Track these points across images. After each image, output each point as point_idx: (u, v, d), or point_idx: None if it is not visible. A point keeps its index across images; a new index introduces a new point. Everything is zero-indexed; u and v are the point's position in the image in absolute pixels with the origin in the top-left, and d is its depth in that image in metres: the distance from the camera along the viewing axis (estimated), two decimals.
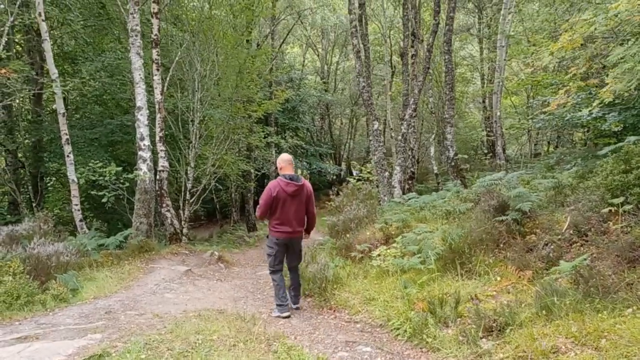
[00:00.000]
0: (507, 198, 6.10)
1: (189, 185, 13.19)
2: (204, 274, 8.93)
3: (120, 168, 9.89)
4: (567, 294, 4.17)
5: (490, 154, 14.30)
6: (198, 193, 13.49)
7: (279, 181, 5.62)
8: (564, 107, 8.06)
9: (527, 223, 6.06)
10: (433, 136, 15.60)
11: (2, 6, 11.75)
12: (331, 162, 31.78)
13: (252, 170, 18.97)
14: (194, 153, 13.22)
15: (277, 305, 5.83)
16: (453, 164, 11.65)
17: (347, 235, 8.07)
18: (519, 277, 5.19)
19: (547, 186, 6.99)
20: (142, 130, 10.01)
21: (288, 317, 5.69)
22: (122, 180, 9.73)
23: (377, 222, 7.97)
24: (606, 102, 4.59)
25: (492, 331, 4.17)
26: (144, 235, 9.57)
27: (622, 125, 8.77)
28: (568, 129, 15.41)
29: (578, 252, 5.23)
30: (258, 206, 5.74)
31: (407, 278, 5.92)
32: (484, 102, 21.01)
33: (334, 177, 31.67)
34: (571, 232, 5.51)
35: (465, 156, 12.78)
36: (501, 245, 5.91)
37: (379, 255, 6.55)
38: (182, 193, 13.35)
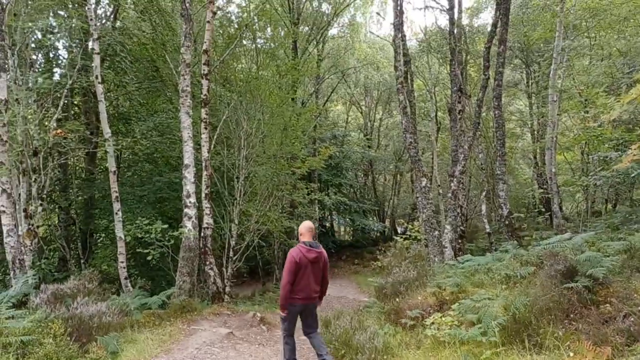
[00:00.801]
0: (575, 262, 5.55)
1: (232, 243, 13.05)
2: (245, 337, 8.55)
3: (166, 225, 9.87)
4: None
5: (547, 213, 13.58)
6: (241, 250, 13.32)
7: (299, 248, 5.69)
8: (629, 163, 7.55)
9: (599, 291, 5.47)
10: (484, 193, 15.03)
11: (62, 70, 12.42)
12: (375, 218, 31.27)
13: (295, 227, 18.75)
14: (238, 210, 13.16)
15: None
16: (507, 222, 11.06)
17: (397, 300, 7.59)
18: (596, 353, 4.59)
19: (618, 249, 6.39)
20: (189, 187, 10.04)
21: None
22: (167, 238, 9.68)
23: (428, 286, 7.47)
24: None
25: None
26: (186, 295, 9.37)
27: None
28: (627, 187, 14.55)
29: None
30: (283, 278, 5.71)
31: (466, 351, 5.39)
32: (535, 157, 20.32)
33: (378, 234, 31.05)
34: None
35: (522, 215, 12.15)
36: (571, 316, 5.32)
37: (433, 323, 6.06)
38: (226, 250, 13.21)
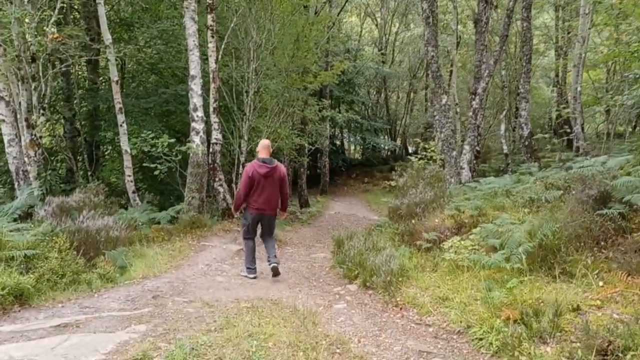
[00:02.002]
0: (610, 187, 5.16)
1: (242, 159, 12.74)
2: (257, 255, 8.46)
3: (173, 140, 9.51)
4: None
5: (569, 134, 13.00)
6: None
7: (253, 163, 6.37)
8: None
9: (633, 218, 5.13)
10: (505, 112, 14.38)
11: None
12: (386, 137, 30.74)
13: (306, 145, 18.37)
14: (247, 125, 12.72)
15: (247, 267, 6.67)
16: (527, 143, 10.58)
17: (412, 222, 7.33)
18: (628, 283, 4.33)
19: None
20: (196, 100, 9.54)
21: (255, 278, 6.55)
22: (174, 152, 9.36)
23: (446, 208, 7.18)
24: None
25: (607, 355, 3.39)
26: (195, 211, 9.20)
27: None
28: None
29: None
30: (239, 189, 6.58)
31: (488, 276, 5.16)
32: (557, 76, 19.35)
33: (389, 153, 30.68)
34: None
35: (546, 136, 11.59)
36: (602, 244, 5.02)
37: (451, 247, 5.81)
38: (235, 167, 12.94)
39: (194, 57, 9.57)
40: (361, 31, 30.45)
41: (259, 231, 6.76)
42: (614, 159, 5.76)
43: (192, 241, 8.49)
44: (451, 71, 17.89)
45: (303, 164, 19.39)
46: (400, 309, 5.23)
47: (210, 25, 10.69)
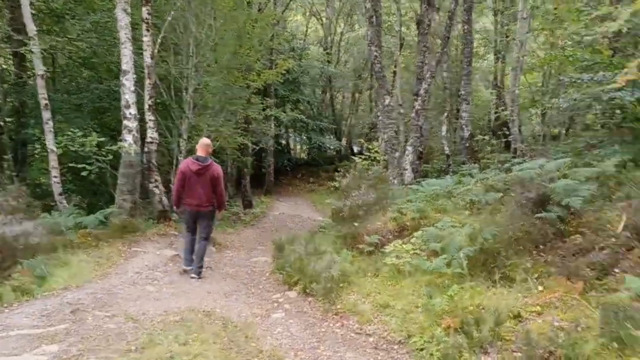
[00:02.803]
0: (549, 190, 5.16)
1: (181, 159, 12.18)
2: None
3: (102, 138, 8.88)
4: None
5: (505, 135, 13.31)
6: None
7: (187, 160, 6.62)
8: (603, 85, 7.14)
9: (571, 221, 5.15)
10: (446, 114, 14.56)
11: None
12: (332, 137, 30.68)
13: (250, 144, 17.91)
14: (187, 124, 12.18)
15: (184, 259, 6.91)
16: (467, 144, 10.69)
17: (355, 224, 7.15)
18: (567, 287, 4.30)
19: (587, 176, 6.06)
20: (128, 97, 8.96)
21: (188, 270, 6.70)
22: (104, 152, 8.76)
23: (389, 211, 7.06)
24: None
25: None
26: (127, 214, 8.63)
27: None
28: (583, 111, 14.41)
29: (638, 259, 4.34)
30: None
31: (429, 281, 5.04)
32: (496, 79, 19.88)
33: (334, 153, 30.62)
34: (628, 234, 4.61)
35: (485, 138, 11.81)
36: (541, 247, 5.01)
37: (393, 251, 5.66)
38: (174, 167, 12.37)
39: (127, 51, 8.98)
40: (307, 30, 30.23)
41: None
42: (552, 161, 5.79)
43: (123, 247, 7.93)
44: (395, 72, 17.99)
45: (247, 164, 18.94)
46: (341, 317, 5.03)
47: (146, 19, 10.10)
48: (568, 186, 4.95)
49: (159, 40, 10.95)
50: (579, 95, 8.27)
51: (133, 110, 9.03)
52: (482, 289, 4.58)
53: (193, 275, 6.63)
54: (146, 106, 10.11)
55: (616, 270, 4.37)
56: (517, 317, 3.96)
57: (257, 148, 20.83)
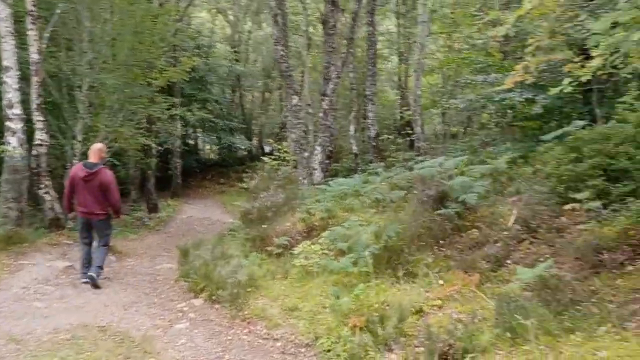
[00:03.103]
0: (447, 188, 5.38)
1: (75, 162, 11.32)
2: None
3: None
4: (531, 309, 3.48)
5: (411, 135, 13.88)
6: None
7: (77, 166, 6.52)
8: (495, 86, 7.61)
9: (467, 216, 5.41)
10: (353, 114, 14.87)
11: None
12: (242, 137, 30.24)
13: (153, 145, 17.10)
14: (82, 124, 11.34)
15: (82, 273, 6.46)
16: (374, 143, 10.97)
17: (263, 226, 7.03)
18: (465, 280, 4.50)
19: (482, 173, 6.42)
20: (11, 95, 8.15)
21: (86, 283, 6.27)
22: None
23: (298, 211, 7.02)
24: (588, 80, 3.94)
25: (447, 358, 3.40)
26: (13, 224, 7.85)
27: (541, 108, 8.50)
28: (479, 111, 15.42)
29: (527, 251, 4.64)
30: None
31: (336, 281, 5.05)
32: (399, 80, 20.66)
33: (245, 153, 30.22)
34: (519, 227, 4.92)
35: (391, 137, 12.21)
36: (441, 242, 5.21)
37: (301, 252, 5.62)
38: (68, 172, 11.47)
39: (8, 46, 8.16)
40: (213, 28, 29.51)
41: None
42: (450, 159, 6.06)
43: (8, 260, 7.19)
44: (303, 72, 18.07)
45: (151, 166, 18.08)
46: (248, 323, 4.88)
47: (31, 11, 9.27)
48: (464, 183, 5.19)
49: (47, 35, 10.07)
50: (474, 96, 8.77)
51: (17, 110, 8.24)
52: (387, 286, 4.66)
53: (86, 280, 6.28)
54: (34, 106, 9.27)
55: (508, 261, 4.65)
56: (420, 312, 4.07)
57: (163, 149, 19.98)
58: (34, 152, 9.15)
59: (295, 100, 9.43)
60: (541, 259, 4.31)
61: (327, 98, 10.17)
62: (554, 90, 3.90)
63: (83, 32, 11.31)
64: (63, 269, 7.15)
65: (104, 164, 6.48)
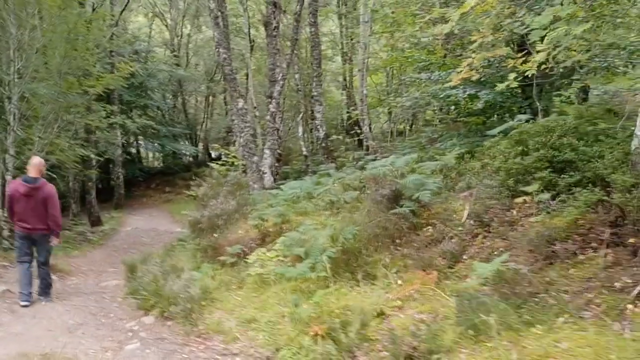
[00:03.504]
0: (401, 186, 5.36)
1: (8, 178, 10.61)
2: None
3: None
4: (491, 305, 3.49)
5: (359, 134, 13.94)
6: None
7: (16, 182, 6.46)
8: (443, 83, 7.71)
9: (422, 214, 5.42)
10: (301, 115, 14.75)
11: None
12: (187, 143, 29.52)
13: (93, 156, 16.34)
14: (13, 137, 10.63)
15: (20, 293, 6.18)
16: (324, 144, 10.90)
17: (215, 235, 6.79)
18: (424, 279, 4.48)
19: (433, 169, 6.47)
20: None
21: (27, 306, 6.01)
22: None
23: (250, 218, 6.82)
24: (529, 75, 4.00)
25: None
26: None
27: (484, 104, 8.73)
28: (423, 108, 15.70)
29: (482, 245, 4.69)
30: None
31: (294, 288, 4.92)
32: (344, 80, 20.74)
33: (191, 159, 29.52)
34: (472, 222, 4.97)
35: (340, 137, 12.19)
36: (397, 241, 5.18)
37: (256, 260, 5.45)
38: (1, 187, 10.72)
39: None
40: (150, 32, 28.63)
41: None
42: (401, 157, 6.06)
43: None
44: (247, 74, 17.81)
45: (91, 177, 17.29)
46: (204, 339, 4.67)
47: None
48: (417, 181, 5.19)
49: None
50: (419, 94, 8.87)
51: None
52: (346, 289, 4.58)
53: (26, 302, 6.08)
54: None
55: (465, 257, 4.67)
56: (381, 314, 4.00)
57: (104, 159, 19.16)
58: None
59: (241, 103, 9.21)
60: (496, 253, 4.37)
61: (273, 100, 10.00)
62: (501, 86, 3.94)
63: (9, 39, 10.61)
64: (0, 293, 6.63)
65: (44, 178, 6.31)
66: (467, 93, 7.92)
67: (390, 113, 16.53)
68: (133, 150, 28.52)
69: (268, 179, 9.65)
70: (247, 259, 5.63)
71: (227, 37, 9.98)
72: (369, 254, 4.96)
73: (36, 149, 11.33)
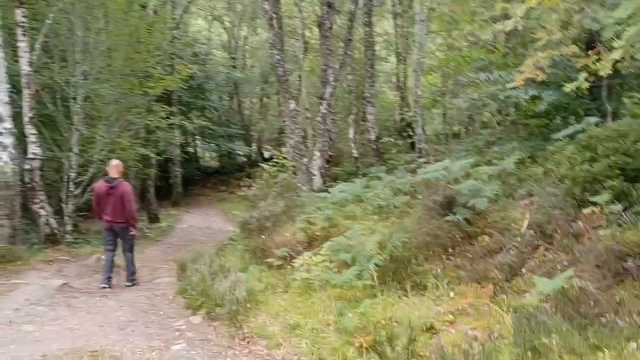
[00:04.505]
0: (454, 192, 5.09)
1: (72, 175, 11.09)
2: (85, 288, 7.19)
3: None
4: (553, 325, 3.20)
5: (410, 136, 13.62)
6: (85, 183, 11.39)
7: (99, 182, 7.37)
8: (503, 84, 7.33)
9: (477, 222, 5.12)
10: (352, 117, 14.58)
11: None
12: (241, 143, 30.01)
13: (152, 155, 16.85)
14: (77, 136, 11.11)
15: (102, 276, 7.20)
16: (375, 147, 10.68)
17: (262, 237, 6.75)
18: (478, 292, 4.21)
19: (490, 175, 6.14)
20: (1, 109, 7.92)
21: (104, 288, 6.98)
22: None
23: (298, 220, 6.73)
24: (603, 75, 3.66)
25: None
26: (6, 241, 7.60)
27: (546, 105, 8.20)
28: (481, 110, 15.10)
29: (543, 258, 4.36)
30: None
31: (340, 295, 4.77)
32: (398, 81, 20.37)
33: (245, 159, 29.99)
34: (532, 233, 4.63)
35: (391, 139, 11.94)
36: (450, 251, 4.92)
37: (302, 264, 5.34)
38: (66, 184, 11.22)
39: None
40: (209, 35, 29.32)
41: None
42: (457, 162, 5.77)
43: (1, 279, 6.95)
44: (300, 76, 17.83)
45: (150, 176, 17.84)
46: (248, 342, 4.60)
47: (21, 22, 9.08)
48: (473, 187, 4.91)
49: (39, 46, 9.81)
50: (477, 95, 8.49)
51: (7, 124, 8.01)
52: (394, 299, 4.38)
53: (105, 285, 7.06)
54: (26, 119, 9.04)
55: (523, 270, 4.36)
56: (431, 329, 3.78)
57: (163, 158, 19.75)
58: (27, 166, 8.91)
59: (292, 105, 9.17)
60: (559, 267, 4.05)
61: (325, 102, 9.89)
62: (570, 86, 3.61)
63: (76, 42, 11.09)
64: (58, 287, 6.90)
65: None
66: (530, 94, 7.47)
67: (444, 115, 16.06)
68: (191, 150, 29.28)
69: (317, 180, 9.53)
70: (294, 262, 5.53)
71: (281, 38, 9.98)
72: (419, 263, 4.73)
73: (98, 148, 11.81)
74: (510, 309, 3.72)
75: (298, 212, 7.17)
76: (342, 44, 10.96)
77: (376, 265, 4.58)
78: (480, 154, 9.01)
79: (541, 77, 3.89)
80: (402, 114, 19.16)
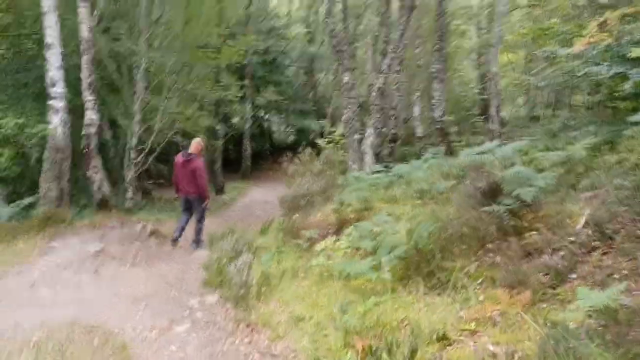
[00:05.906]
0: (500, 179, 4.34)
1: (133, 142, 11.29)
2: (121, 255, 7.15)
3: (20, 120, 7.99)
4: (587, 352, 2.50)
5: (483, 116, 12.52)
6: (146, 151, 11.58)
7: (178, 155, 7.69)
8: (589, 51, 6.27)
9: (526, 215, 4.35)
10: (418, 93, 13.66)
11: None
12: (315, 118, 29.75)
13: (218, 127, 16.96)
14: (139, 104, 11.24)
15: (176, 229, 7.83)
16: (439, 126, 9.85)
17: (295, 216, 6.34)
18: (513, 299, 3.52)
19: (554, 161, 5.27)
20: (53, 73, 8.04)
21: (174, 240, 7.72)
22: (25, 136, 7.89)
23: (334, 201, 6.24)
24: None
25: None
26: (53, 204, 7.79)
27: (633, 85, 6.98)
28: (569, 90, 13.55)
29: (599, 263, 3.56)
30: None
31: (357, 286, 4.26)
32: (478, 57, 18.96)
33: (319, 134, 29.74)
34: (590, 232, 3.82)
35: (452, 118, 11.00)
36: (488, 247, 4.22)
37: (323, 249, 4.86)
38: (127, 151, 11.47)
39: (50, 22, 8.04)
40: (289, 11, 29.05)
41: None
42: (509, 144, 4.95)
43: (42, 241, 7.11)
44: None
45: (217, 148, 18.03)
46: (252, 330, 4.23)
47: None
48: (520, 174, 4.14)
49: (97, 12, 9.91)
50: (552, 72, 7.43)
51: (60, 88, 8.13)
52: (413, 298, 3.79)
53: (176, 238, 7.72)
54: (84, 85, 9.19)
55: (573, 276, 3.60)
56: (444, 339, 3.17)
57: (231, 132, 19.91)
58: (83, 132, 9.09)
59: (347, 77, 8.57)
60: (616, 276, 3.27)
61: (381, 75, 9.15)
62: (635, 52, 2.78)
63: (140, 10, 11.14)
64: (93, 253, 6.90)
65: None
66: (613, 71, 6.35)
67: (527, 95, 14.67)
68: (264, 125, 29.45)
69: (369, 159, 8.92)
70: (316, 247, 5.07)
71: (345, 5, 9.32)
72: (448, 257, 4.08)
73: (160, 116, 11.93)
74: (548, 323, 3.04)
75: (336, 192, 6.67)
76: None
77: (397, 257, 4.00)
78: (555, 138, 7.97)
79: (606, 41, 3.06)
80: (480, 93, 17.86)
